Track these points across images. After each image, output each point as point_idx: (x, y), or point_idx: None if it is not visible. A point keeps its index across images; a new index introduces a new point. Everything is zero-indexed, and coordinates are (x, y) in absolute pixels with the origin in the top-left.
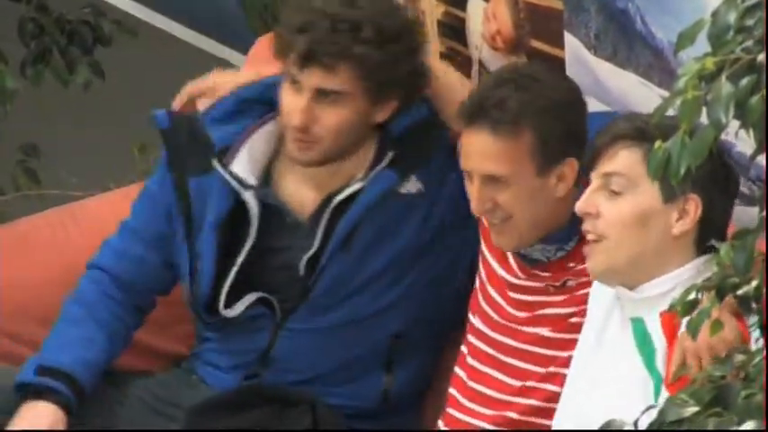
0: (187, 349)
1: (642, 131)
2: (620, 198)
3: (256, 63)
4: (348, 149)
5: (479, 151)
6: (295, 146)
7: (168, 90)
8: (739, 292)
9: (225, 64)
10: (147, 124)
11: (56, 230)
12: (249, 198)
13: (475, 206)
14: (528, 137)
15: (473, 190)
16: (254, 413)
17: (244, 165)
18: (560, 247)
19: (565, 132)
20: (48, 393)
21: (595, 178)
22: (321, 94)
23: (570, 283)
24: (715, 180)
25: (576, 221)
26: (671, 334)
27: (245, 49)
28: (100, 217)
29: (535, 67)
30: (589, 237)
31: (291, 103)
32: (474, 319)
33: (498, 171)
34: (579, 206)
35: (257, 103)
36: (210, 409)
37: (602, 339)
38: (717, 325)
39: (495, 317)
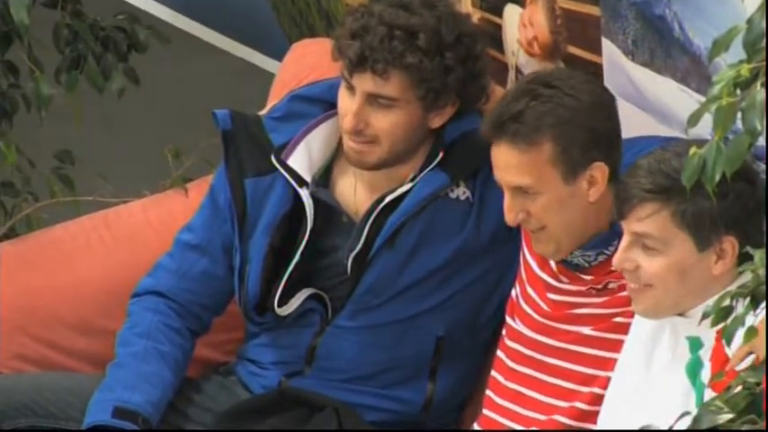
0: (223, 356)
1: (667, 189)
2: (656, 254)
3: (291, 69)
4: (404, 154)
5: (504, 164)
6: (350, 148)
7: (202, 96)
8: None
9: (258, 70)
10: (181, 130)
11: (90, 237)
12: (305, 196)
13: (506, 216)
14: (547, 147)
15: (505, 201)
16: (281, 417)
17: (300, 161)
18: (600, 251)
19: (588, 138)
20: None
21: (627, 233)
22: (373, 99)
23: (612, 285)
24: (746, 211)
25: (617, 225)
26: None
27: (278, 56)
28: (134, 224)
29: (556, 75)
30: (633, 286)
31: (345, 105)
32: (513, 323)
33: (522, 182)
34: (616, 263)
35: (318, 103)
36: (238, 414)
37: (653, 351)
38: (751, 332)
39: (535, 316)
